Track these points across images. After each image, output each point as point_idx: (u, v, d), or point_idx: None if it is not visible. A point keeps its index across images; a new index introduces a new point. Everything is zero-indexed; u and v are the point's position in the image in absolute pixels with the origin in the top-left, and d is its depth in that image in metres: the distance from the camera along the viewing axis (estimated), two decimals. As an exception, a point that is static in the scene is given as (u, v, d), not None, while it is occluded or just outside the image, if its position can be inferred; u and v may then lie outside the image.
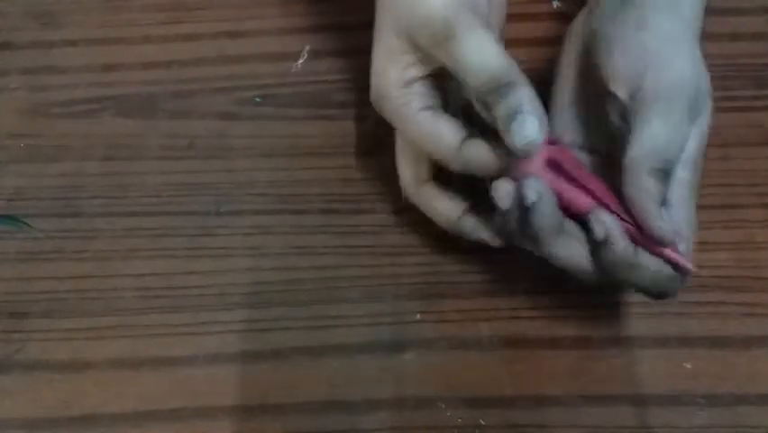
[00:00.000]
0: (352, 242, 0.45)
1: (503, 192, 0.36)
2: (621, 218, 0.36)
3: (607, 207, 0.36)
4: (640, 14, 0.38)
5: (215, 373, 0.42)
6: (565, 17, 0.49)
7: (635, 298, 0.42)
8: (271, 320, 0.43)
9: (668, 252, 0.35)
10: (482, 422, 0.40)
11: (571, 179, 0.37)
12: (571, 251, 0.37)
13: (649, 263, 0.36)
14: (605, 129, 0.39)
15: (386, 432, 0.40)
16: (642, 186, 0.35)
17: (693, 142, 0.37)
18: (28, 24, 0.53)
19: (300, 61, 0.51)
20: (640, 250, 0.36)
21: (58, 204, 0.47)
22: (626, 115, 0.37)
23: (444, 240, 0.44)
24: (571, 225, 0.37)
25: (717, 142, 0.46)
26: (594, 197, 0.36)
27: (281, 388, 0.41)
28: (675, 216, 0.36)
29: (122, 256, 0.45)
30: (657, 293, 0.37)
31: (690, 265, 0.36)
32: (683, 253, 0.36)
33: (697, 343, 0.41)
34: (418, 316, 0.43)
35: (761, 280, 0.43)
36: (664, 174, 0.35)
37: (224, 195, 0.47)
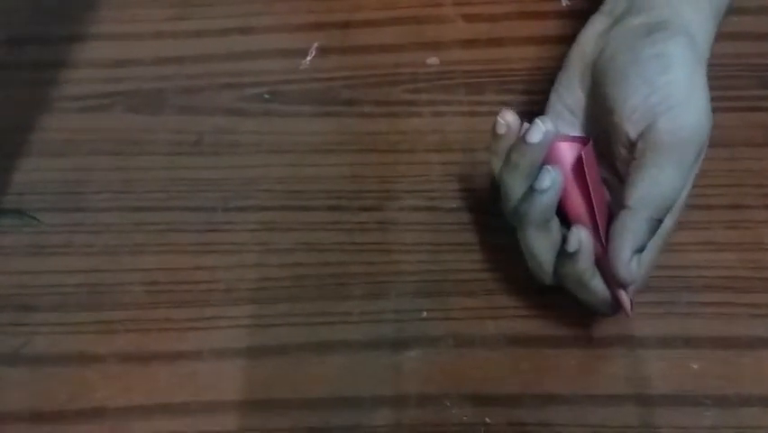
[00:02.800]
0: (358, 239, 0.45)
1: (535, 135, 0.36)
2: (600, 238, 0.37)
3: (594, 223, 0.37)
4: (662, 53, 0.37)
5: (222, 367, 0.42)
6: (575, 15, 0.50)
7: (641, 298, 0.42)
8: (277, 316, 0.43)
9: (621, 292, 0.37)
10: (488, 420, 0.40)
11: (583, 183, 0.37)
12: (541, 246, 0.38)
13: (597, 289, 0.37)
14: (600, 141, 0.39)
15: (391, 429, 0.40)
16: (633, 230, 0.35)
17: (685, 191, 0.38)
18: (38, 20, 0.53)
19: (308, 58, 0.51)
20: (596, 274, 0.37)
21: (66, 198, 0.47)
22: (632, 150, 0.37)
23: (451, 238, 0.45)
24: (555, 224, 0.38)
25: (723, 143, 0.46)
26: (590, 207, 0.37)
27: (287, 383, 0.42)
28: (644, 261, 0.37)
29: (129, 251, 0.45)
30: (590, 308, 0.39)
31: (630, 312, 0.38)
32: (630, 293, 0.38)
33: (703, 343, 0.41)
34: (424, 313, 0.43)
35: (767, 281, 0.43)
36: (658, 224, 0.36)
37: (232, 191, 0.47)
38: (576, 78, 0.41)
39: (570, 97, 0.42)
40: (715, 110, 0.47)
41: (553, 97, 0.42)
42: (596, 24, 0.42)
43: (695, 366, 0.41)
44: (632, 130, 0.37)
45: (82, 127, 0.49)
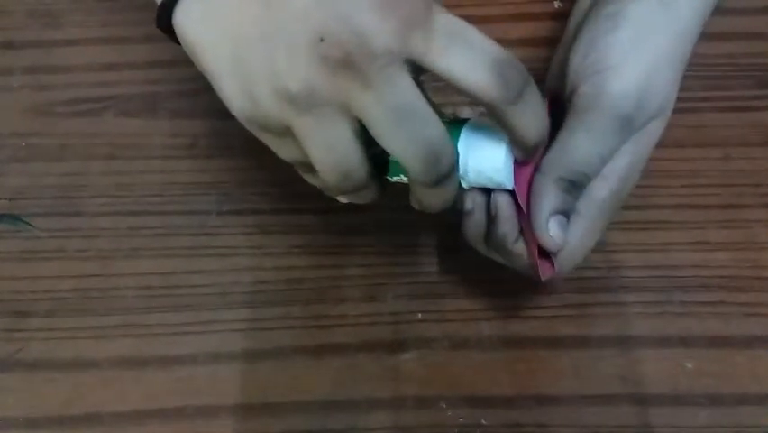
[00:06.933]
0: (353, 241, 0.45)
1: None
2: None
3: (523, 190, 0.35)
4: (617, 12, 0.35)
5: (217, 371, 0.42)
6: (567, 17, 0.50)
7: (635, 298, 0.43)
8: (273, 319, 0.43)
9: (538, 259, 0.35)
10: (483, 422, 0.40)
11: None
12: (471, 226, 0.37)
13: (522, 254, 0.36)
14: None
15: (387, 431, 0.40)
16: (540, 193, 0.34)
17: (623, 160, 0.35)
18: (30, 24, 0.53)
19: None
20: (519, 240, 0.36)
21: (60, 203, 0.47)
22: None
23: (445, 240, 0.45)
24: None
25: (718, 143, 0.46)
26: (524, 173, 0.36)
27: (282, 387, 0.42)
28: (577, 228, 0.35)
29: (124, 255, 0.45)
30: (522, 274, 0.37)
31: (543, 277, 0.36)
32: (561, 265, 0.36)
33: (698, 342, 0.42)
34: (419, 315, 0.43)
35: (762, 280, 0.43)
36: (572, 185, 0.34)
37: (226, 194, 0.47)
38: (570, 37, 0.39)
39: (560, 56, 0.40)
40: (710, 110, 0.47)
41: (554, 59, 0.41)
42: None
43: (690, 365, 0.41)
44: (568, 90, 0.35)
45: (76, 132, 0.49)
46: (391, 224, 0.45)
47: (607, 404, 0.40)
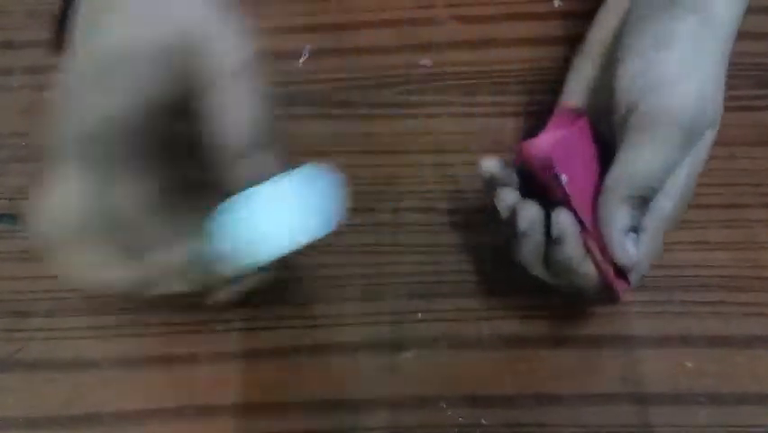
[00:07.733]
0: (352, 240, 0.45)
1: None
2: (588, 222, 0.36)
3: (585, 208, 0.36)
4: (666, 29, 0.36)
5: (217, 371, 0.42)
6: (567, 16, 0.50)
7: (636, 297, 0.42)
8: (273, 319, 0.43)
9: (614, 279, 0.36)
10: (483, 421, 0.40)
11: (572, 163, 0.36)
12: (528, 248, 0.37)
13: (589, 273, 0.36)
14: (607, 119, 0.38)
15: (387, 431, 0.40)
16: (612, 211, 0.35)
17: (683, 172, 0.36)
18: (30, 24, 0.53)
19: (302, 60, 0.51)
20: (586, 259, 0.36)
21: (60, 203, 0.47)
22: (617, 130, 0.36)
23: (445, 239, 0.44)
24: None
25: (720, 142, 0.46)
26: (583, 191, 0.36)
27: (282, 387, 0.42)
28: (643, 244, 0.36)
29: (124, 255, 0.45)
30: (583, 295, 0.38)
31: (623, 296, 0.37)
32: (632, 282, 0.36)
33: (698, 342, 0.41)
34: (419, 315, 0.43)
35: (762, 280, 0.43)
36: (641, 201, 0.35)
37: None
38: (592, 54, 0.41)
39: (585, 70, 0.41)
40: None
41: (570, 75, 0.42)
42: None
43: (690, 365, 0.41)
44: (622, 108, 0.36)
45: (76, 132, 0.49)
46: (390, 223, 0.45)
47: (607, 404, 0.40)
